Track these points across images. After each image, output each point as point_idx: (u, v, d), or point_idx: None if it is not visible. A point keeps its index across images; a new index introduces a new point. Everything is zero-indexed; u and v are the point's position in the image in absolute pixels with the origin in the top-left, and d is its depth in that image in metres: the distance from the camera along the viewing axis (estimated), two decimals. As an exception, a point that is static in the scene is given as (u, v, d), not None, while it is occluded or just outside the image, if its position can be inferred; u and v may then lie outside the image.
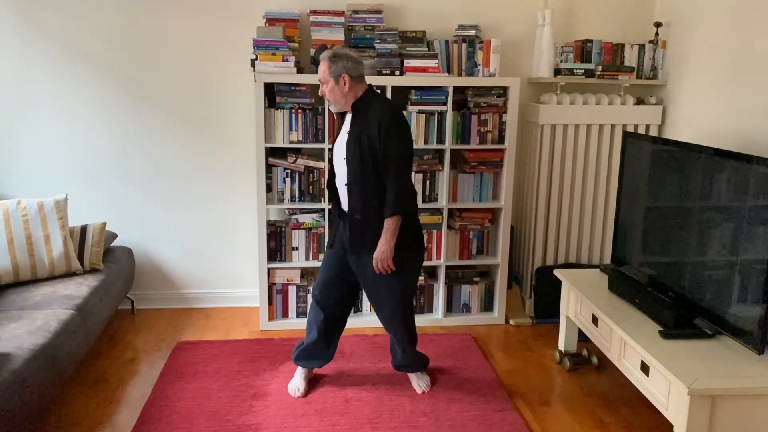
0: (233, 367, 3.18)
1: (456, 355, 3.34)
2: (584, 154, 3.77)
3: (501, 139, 3.65)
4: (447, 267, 3.75)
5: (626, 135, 3.17)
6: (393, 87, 3.47)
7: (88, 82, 3.65)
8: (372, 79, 3.41)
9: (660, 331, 2.53)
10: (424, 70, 3.49)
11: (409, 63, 3.48)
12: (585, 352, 3.31)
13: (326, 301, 2.86)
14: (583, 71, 3.67)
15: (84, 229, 3.40)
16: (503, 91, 3.61)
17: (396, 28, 3.54)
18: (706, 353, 2.37)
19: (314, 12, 3.50)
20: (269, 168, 3.54)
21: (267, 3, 3.63)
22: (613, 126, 3.76)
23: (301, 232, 3.64)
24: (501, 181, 3.71)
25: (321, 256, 3.65)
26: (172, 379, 3.04)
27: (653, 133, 3.77)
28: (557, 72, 3.69)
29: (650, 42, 3.76)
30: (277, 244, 3.63)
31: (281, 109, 3.46)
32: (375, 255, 2.63)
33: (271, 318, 3.68)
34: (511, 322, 3.82)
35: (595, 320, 2.93)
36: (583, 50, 3.75)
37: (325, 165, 3.53)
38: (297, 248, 3.66)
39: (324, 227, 3.62)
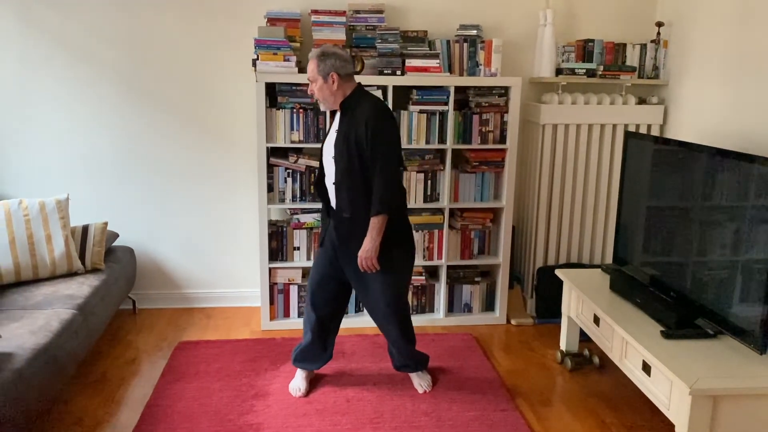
0: (234, 366, 3.18)
1: (457, 355, 3.34)
2: (586, 154, 3.77)
3: (502, 139, 3.64)
4: (448, 267, 3.75)
5: (628, 135, 3.17)
6: (394, 87, 3.47)
7: (90, 82, 3.66)
8: (373, 79, 3.42)
9: (662, 331, 2.53)
10: (425, 69, 3.49)
11: (411, 63, 3.48)
12: (586, 352, 3.31)
13: (318, 300, 2.86)
14: (584, 71, 3.67)
15: (85, 229, 3.40)
16: (505, 91, 3.61)
17: (397, 28, 3.54)
18: (707, 353, 2.36)
19: (315, 12, 3.50)
20: (270, 168, 3.54)
21: (268, 3, 3.63)
22: (614, 126, 3.75)
23: (302, 232, 3.64)
24: (502, 181, 3.70)
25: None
26: (173, 378, 3.05)
27: (655, 132, 3.76)
28: (559, 72, 3.69)
29: (652, 42, 3.75)
30: (278, 244, 3.64)
31: (282, 108, 3.46)
32: (359, 253, 2.63)
33: (272, 318, 3.68)
34: (513, 322, 3.82)
35: (596, 320, 2.93)
36: (584, 50, 3.75)
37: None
38: (298, 248, 3.66)
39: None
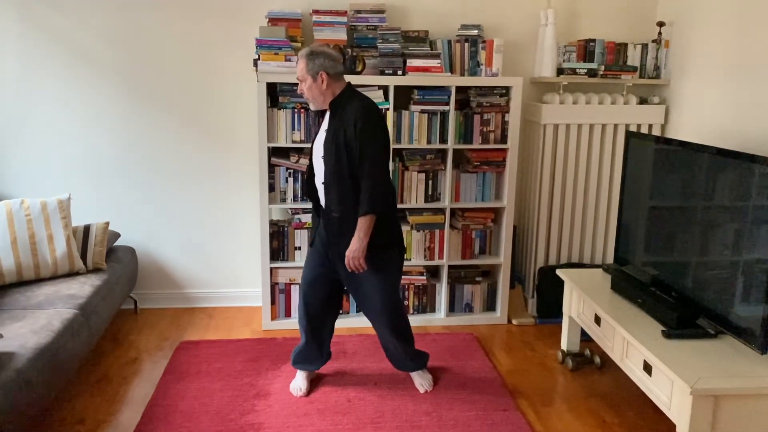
0: (236, 366, 3.18)
1: (458, 355, 3.34)
2: (587, 154, 3.77)
3: (503, 139, 3.64)
4: (449, 267, 3.75)
5: (629, 135, 3.17)
6: (395, 87, 3.47)
7: (92, 82, 3.66)
8: (374, 79, 3.42)
9: (663, 331, 2.53)
10: (426, 69, 3.49)
11: (412, 63, 3.48)
12: (588, 352, 3.31)
13: (312, 300, 2.85)
14: (585, 71, 3.67)
15: (87, 229, 3.41)
16: (506, 91, 3.61)
17: (399, 28, 3.54)
18: (709, 353, 2.36)
19: (317, 12, 3.50)
20: (272, 168, 3.54)
21: (269, 3, 3.63)
22: (615, 126, 3.75)
23: (303, 232, 3.64)
24: (503, 181, 3.70)
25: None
26: (174, 378, 3.05)
27: (656, 132, 3.76)
28: (560, 71, 3.69)
29: (653, 41, 3.75)
30: (279, 244, 3.64)
31: (284, 108, 3.46)
32: (347, 253, 2.63)
33: (273, 317, 3.68)
34: (514, 321, 3.82)
35: (597, 320, 2.93)
36: (585, 50, 3.75)
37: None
38: (299, 248, 3.66)
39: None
